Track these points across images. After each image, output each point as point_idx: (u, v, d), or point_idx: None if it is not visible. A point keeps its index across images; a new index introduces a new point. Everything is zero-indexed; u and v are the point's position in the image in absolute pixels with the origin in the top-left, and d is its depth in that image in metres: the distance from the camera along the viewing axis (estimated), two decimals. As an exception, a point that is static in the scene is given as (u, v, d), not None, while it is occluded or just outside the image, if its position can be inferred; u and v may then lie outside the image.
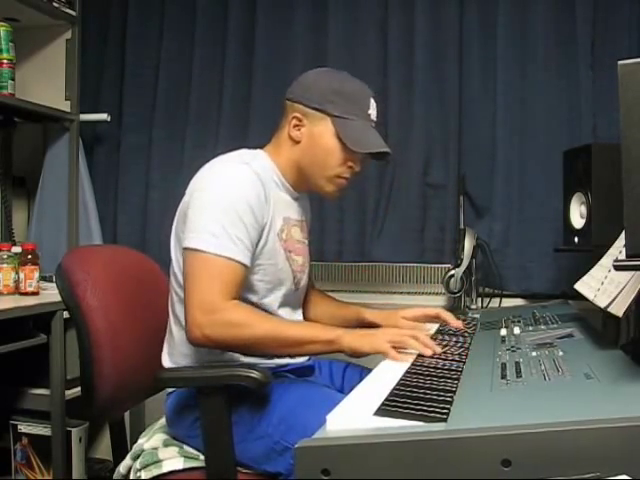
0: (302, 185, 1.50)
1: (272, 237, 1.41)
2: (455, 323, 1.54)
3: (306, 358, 1.54)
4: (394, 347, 1.25)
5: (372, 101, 1.47)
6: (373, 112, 1.47)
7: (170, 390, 1.43)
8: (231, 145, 2.49)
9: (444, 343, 1.35)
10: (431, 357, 1.21)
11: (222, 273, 1.28)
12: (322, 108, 1.42)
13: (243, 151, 1.48)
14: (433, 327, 1.56)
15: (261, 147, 1.52)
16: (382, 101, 2.30)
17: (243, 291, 1.35)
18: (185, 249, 1.32)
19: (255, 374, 1.23)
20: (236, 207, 1.31)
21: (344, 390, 1.51)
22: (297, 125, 1.44)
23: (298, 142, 1.44)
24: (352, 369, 1.62)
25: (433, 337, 1.39)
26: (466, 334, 1.45)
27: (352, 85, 1.45)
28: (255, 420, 1.30)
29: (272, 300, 1.43)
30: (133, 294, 1.51)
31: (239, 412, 1.30)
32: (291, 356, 1.39)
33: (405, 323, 1.54)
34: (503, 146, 2.21)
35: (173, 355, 1.43)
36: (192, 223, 1.32)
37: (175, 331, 1.42)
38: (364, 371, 1.53)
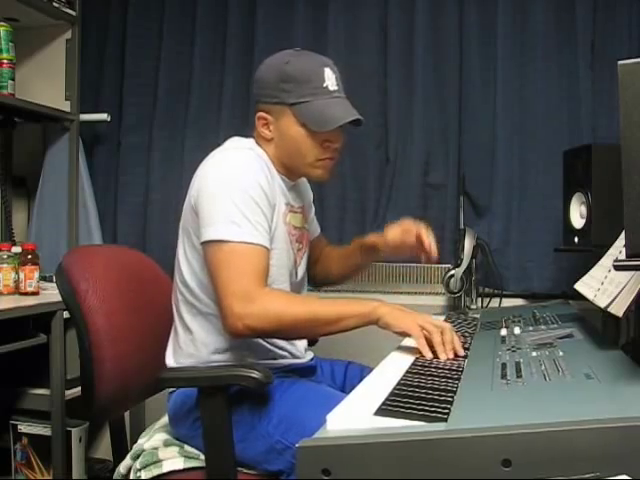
0: (293, 175, 1.48)
1: (280, 221, 1.41)
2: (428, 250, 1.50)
3: (309, 358, 1.54)
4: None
5: (327, 71, 1.39)
6: (330, 82, 1.39)
7: (171, 390, 1.42)
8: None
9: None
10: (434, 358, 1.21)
11: (251, 261, 1.27)
12: (278, 100, 1.38)
13: (237, 139, 1.45)
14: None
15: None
16: (382, 101, 2.32)
17: None
18: (206, 242, 1.29)
19: (256, 374, 1.23)
20: (250, 192, 1.30)
21: (345, 389, 1.50)
22: (265, 124, 1.41)
23: (271, 140, 1.42)
24: (353, 368, 1.62)
25: None
26: (466, 334, 1.45)
27: (299, 64, 1.38)
28: (255, 420, 1.30)
29: (280, 285, 1.41)
30: (133, 294, 1.51)
31: (240, 412, 1.29)
32: (330, 334, 1.34)
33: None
34: (503, 146, 2.21)
35: (177, 355, 1.42)
36: (208, 215, 1.30)
37: (180, 331, 1.42)
38: (365, 370, 1.53)
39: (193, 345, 1.39)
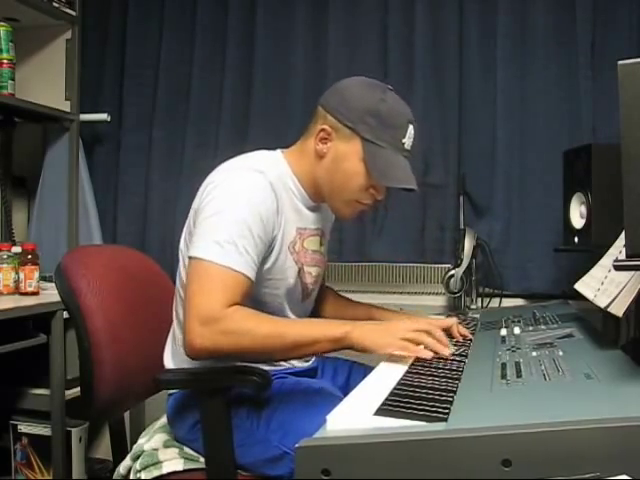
0: (319, 199, 1.43)
1: (283, 251, 1.35)
2: (461, 333, 1.43)
3: (310, 362, 1.53)
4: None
5: (410, 128, 1.36)
6: (408, 141, 1.36)
7: (171, 391, 1.42)
8: (231, 145, 2.51)
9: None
10: (440, 358, 1.18)
11: (225, 283, 1.21)
12: (354, 127, 1.32)
13: (260, 154, 1.40)
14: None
15: (286, 146, 1.45)
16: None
17: (251, 303, 1.27)
18: (190, 257, 1.25)
19: (256, 377, 1.22)
20: (246, 218, 1.25)
21: (348, 390, 1.49)
22: (324, 139, 1.35)
23: (322, 157, 1.36)
24: (357, 368, 1.60)
25: None
26: (466, 334, 1.45)
27: (392, 108, 1.35)
28: (254, 425, 1.29)
29: (279, 312, 1.39)
30: (133, 294, 1.51)
31: (238, 416, 1.28)
32: (300, 357, 1.30)
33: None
34: (503, 146, 2.21)
35: (176, 357, 1.40)
36: (200, 231, 1.26)
37: (178, 334, 1.40)
38: (369, 371, 1.52)
39: None
